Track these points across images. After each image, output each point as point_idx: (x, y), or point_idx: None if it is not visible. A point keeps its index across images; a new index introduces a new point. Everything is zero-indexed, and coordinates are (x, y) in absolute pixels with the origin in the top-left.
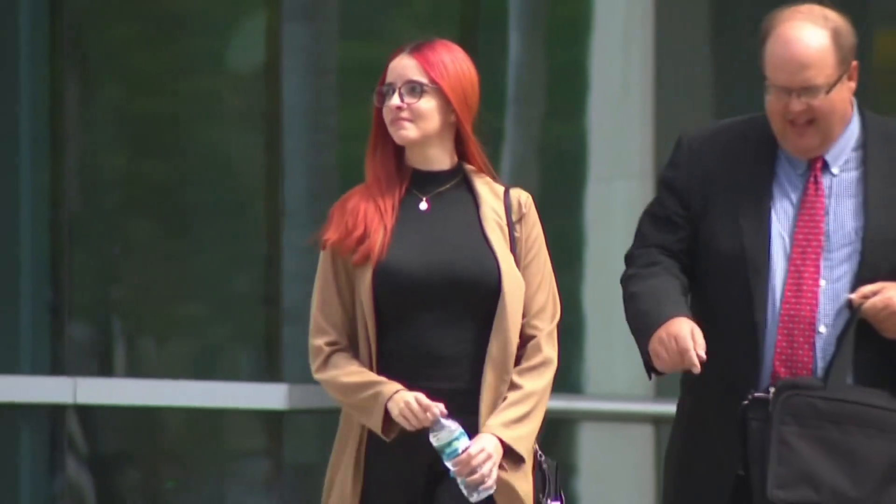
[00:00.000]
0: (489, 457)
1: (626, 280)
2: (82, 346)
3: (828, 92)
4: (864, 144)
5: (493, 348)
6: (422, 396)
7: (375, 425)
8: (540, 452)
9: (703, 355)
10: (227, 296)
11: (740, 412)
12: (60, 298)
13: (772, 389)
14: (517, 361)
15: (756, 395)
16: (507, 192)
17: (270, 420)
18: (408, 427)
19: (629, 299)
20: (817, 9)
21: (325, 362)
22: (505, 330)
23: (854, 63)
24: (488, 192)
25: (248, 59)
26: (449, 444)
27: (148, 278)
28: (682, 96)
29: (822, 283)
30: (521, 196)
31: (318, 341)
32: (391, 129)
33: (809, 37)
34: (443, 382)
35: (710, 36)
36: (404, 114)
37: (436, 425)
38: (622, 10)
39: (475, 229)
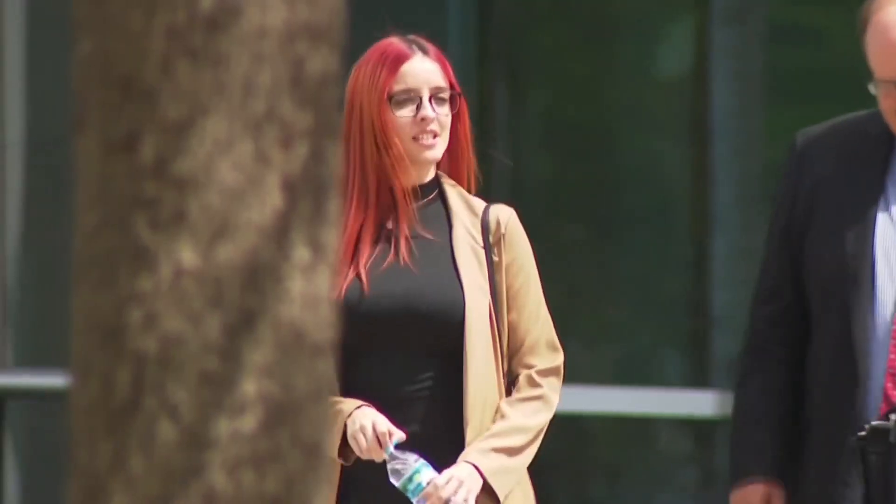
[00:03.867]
0: (461, 483)
1: (739, 372)
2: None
3: None
4: None
5: (469, 389)
6: (383, 422)
7: (331, 448)
8: None
9: None
10: (654, 301)
11: (857, 445)
12: None
13: (893, 417)
14: (509, 394)
15: (874, 424)
16: (486, 210)
17: (700, 428)
18: (358, 454)
19: (734, 404)
20: None
21: None
22: (475, 369)
23: None
24: (464, 208)
25: (676, 63)
26: (410, 479)
27: (574, 283)
28: None
29: None
30: (500, 214)
31: None
32: (412, 146)
33: None
34: (399, 427)
35: None
36: (434, 126)
37: (391, 460)
38: None
39: (445, 253)
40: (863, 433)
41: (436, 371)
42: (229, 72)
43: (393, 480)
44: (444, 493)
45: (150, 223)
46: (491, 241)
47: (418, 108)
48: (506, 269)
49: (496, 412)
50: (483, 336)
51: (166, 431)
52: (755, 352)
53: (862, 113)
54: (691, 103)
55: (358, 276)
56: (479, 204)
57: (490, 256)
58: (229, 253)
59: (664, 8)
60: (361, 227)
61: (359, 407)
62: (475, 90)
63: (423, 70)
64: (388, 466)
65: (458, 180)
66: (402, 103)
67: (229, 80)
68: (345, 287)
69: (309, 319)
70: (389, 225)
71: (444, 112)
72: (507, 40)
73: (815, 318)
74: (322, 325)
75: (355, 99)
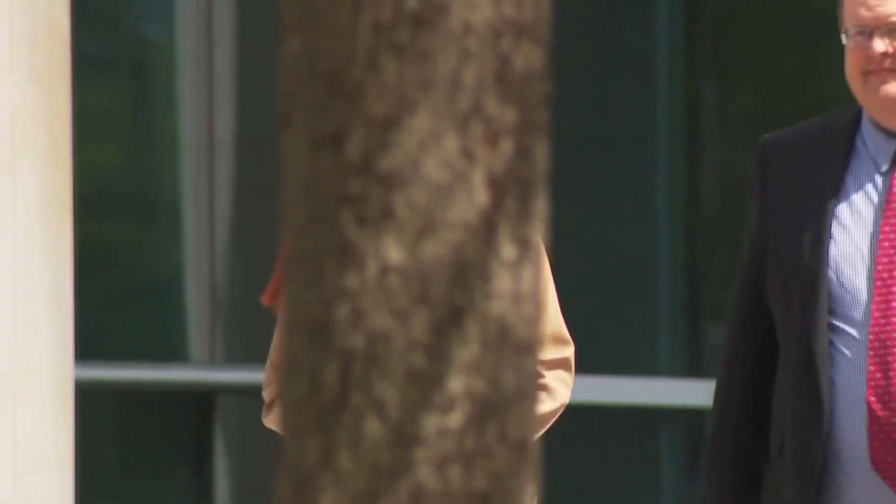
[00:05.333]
0: None
1: (721, 360)
2: (719, 349)
3: None
4: None
5: None
6: None
7: None
8: None
9: None
10: None
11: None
12: (697, 300)
13: None
14: None
15: None
16: None
17: None
18: None
19: (714, 395)
20: None
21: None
22: None
23: None
24: None
25: None
26: None
27: None
28: None
29: None
30: None
31: (265, 393)
32: None
33: None
34: None
35: None
36: None
37: None
38: None
39: None
40: None
41: None
42: (435, 68)
43: None
44: None
45: (356, 220)
46: None
47: None
48: None
49: None
50: None
51: (374, 428)
52: (734, 346)
53: (826, 114)
54: None
55: None
56: None
57: None
58: (435, 250)
59: None
60: None
61: None
62: (683, 86)
63: None
64: None
65: None
66: None
67: (435, 76)
68: None
69: (515, 316)
70: None
71: None
72: (715, 36)
73: (777, 323)
74: (528, 322)
75: None
